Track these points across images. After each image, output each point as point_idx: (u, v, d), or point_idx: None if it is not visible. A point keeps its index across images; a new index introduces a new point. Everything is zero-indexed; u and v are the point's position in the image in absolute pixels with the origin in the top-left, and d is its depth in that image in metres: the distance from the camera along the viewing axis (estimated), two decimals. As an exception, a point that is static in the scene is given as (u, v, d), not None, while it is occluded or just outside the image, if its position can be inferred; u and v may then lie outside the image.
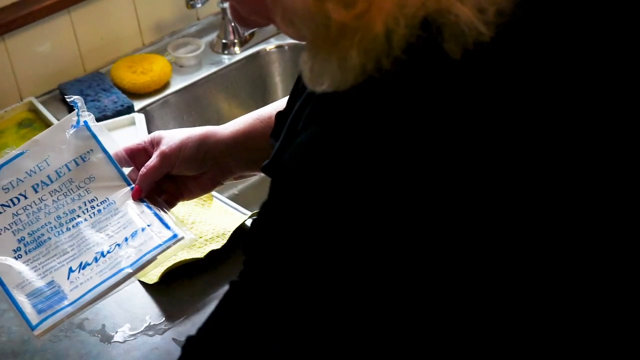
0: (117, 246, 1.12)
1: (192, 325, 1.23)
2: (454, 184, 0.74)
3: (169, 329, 1.23)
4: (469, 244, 0.75)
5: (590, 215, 0.78)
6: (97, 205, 1.16)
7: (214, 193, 1.43)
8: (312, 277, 0.78)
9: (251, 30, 1.87)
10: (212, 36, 1.87)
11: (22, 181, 1.16)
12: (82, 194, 1.17)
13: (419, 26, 0.73)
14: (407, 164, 0.74)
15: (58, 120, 1.59)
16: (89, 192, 1.17)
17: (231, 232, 1.32)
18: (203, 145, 1.18)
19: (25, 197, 1.16)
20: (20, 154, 1.18)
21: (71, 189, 1.17)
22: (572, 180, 0.76)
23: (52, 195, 1.16)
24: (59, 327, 1.23)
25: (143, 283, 1.30)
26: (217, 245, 1.30)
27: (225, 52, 1.84)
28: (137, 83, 1.72)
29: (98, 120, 1.62)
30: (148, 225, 1.13)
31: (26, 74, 1.71)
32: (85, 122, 1.20)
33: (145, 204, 1.15)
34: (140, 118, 1.64)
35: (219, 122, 1.83)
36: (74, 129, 1.19)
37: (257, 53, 1.86)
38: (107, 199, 1.16)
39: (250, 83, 1.86)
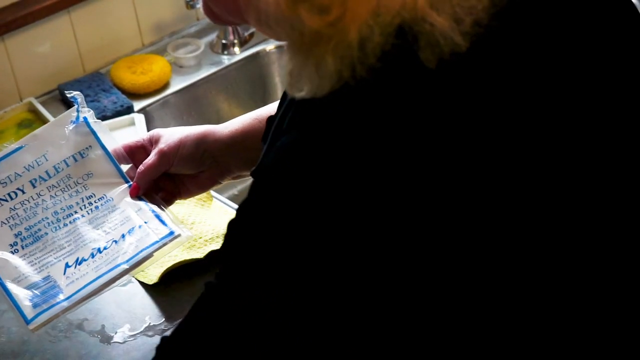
0: (114, 242, 1.12)
1: (191, 325, 1.23)
2: (425, 190, 0.74)
3: (168, 329, 1.23)
4: (436, 252, 0.75)
5: (582, 213, 0.78)
6: (95, 201, 1.16)
7: (213, 193, 1.43)
8: (286, 278, 0.78)
9: (251, 31, 1.87)
10: (212, 36, 1.87)
11: (20, 175, 1.16)
12: (80, 190, 1.17)
13: (394, 34, 0.73)
14: (377, 170, 0.74)
15: (58, 120, 1.60)
16: (86, 188, 1.17)
17: (231, 232, 1.32)
18: (202, 144, 1.18)
19: (23, 192, 1.16)
20: (19, 148, 1.18)
21: (69, 184, 1.17)
22: (545, 183, 0.77)
23: (50, 191, 1.16)
24: (59, 327, 1.24)
25: (143, 284, 1.30)
26: (217, 245, 1.30)
27: (225, 52, 1.84)
28: (136, 83, 1.72)
29: (98, 120, 1.63)
30: (145, 222, 1.13)
31: (26, 74, 1.71)
32: (85, 118, 1.19)
33: (142, 201, 1.15)
34: (140, 118, 1.64)
35: (218, 122, 1.82)
36: (74, 125, 1.19)
37: (257, 53, 1.86)
38: (105, 195, 1.16)
39: (250, 83, 1.86)
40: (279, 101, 1.04)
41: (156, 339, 1.21)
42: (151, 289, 1.29)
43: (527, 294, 0.78)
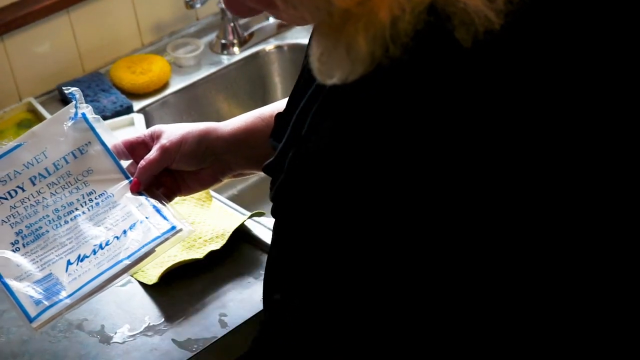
0: (115, 238, 1.11)
1: (191, 326, 1.23)
2: (462, 174, 0.74)
3: (168, 329, 1.23)
4: (473, 235, 0.75)
5: (592, 212, 0.78)
6: (95, 198, 1.16)
7: (213, 193, 1.43)
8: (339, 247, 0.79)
9: (250, 31, 1.87)
10: (212, 36, 1.87)
11: (20, 173, 1.16)
12: (80, 187, 1.16)
13: (426, 12, 0.72)
14: (418, 153, 0.74)
15: (57, 120, 1.60)
16: (87, 185, 1.17)
17: (230, 232, 1.32)
18: (203, 141, 1.18)
19: (23, 190, 1.15)
20: (18, 145, 1.18)
21: (69, 181, 1.17)
22: (584, 174, 0.76)
23: (50, 188, 1.16)
24: (58, 327, 1.24)
25: (142, 284, 1.29)
26: (217, 245, 1.30)
27: (225, 52, 1.84)
28: (136, 83, 1.72)
29: (97, 120, 1.63)
30: (146, 218, 1.13)
31: (25, 74, 1.71)
32: (83, 114, 1.19)
33: (143, 196, 1.15)
34: (139, 118, 1.64)
35: (218, 121, 1.83)
36: (72, 121, 1.19)
37: (257, 53, 1.86)
38: (105, 192, 1.16)
39: (249, 83, 1.86)
40: (286, 99, 1.04)
41: (156, 339, 1.21)
42: (151, 289, 1.29)
43: (531, 289, 0.78)
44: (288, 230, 0.87)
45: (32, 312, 1.07)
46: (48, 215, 1.14)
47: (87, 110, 1.19)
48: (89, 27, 1.76)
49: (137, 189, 1.16)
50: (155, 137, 1.19)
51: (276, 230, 0.91)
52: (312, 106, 0.83)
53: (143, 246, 1.10)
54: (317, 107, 0.83)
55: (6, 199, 1.15)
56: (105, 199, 1.16)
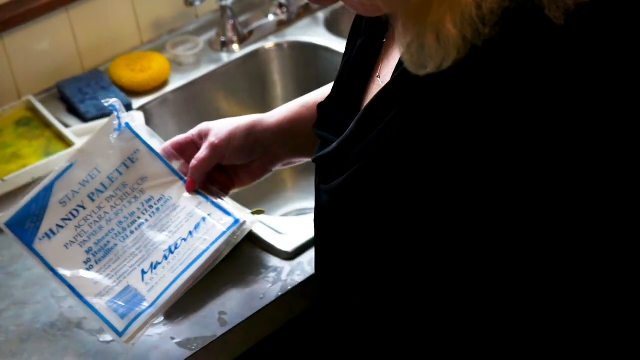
0: (182, 241, 1.13)
1: (191, 324, 1.22)
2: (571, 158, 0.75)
3: (167, 328, 1.22)
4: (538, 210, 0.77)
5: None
6: (155, 204, 1.17)
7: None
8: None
9: (250, 28, 1.86)
10: (211, 34, 1.87)
11: (78, 192, 1.17)
12: (138, 196, 1.18)
13: None
14: (530, 136, 0.75)
15: (56, 118, 1.59)
16: (144, 192, 1.18)
17: (230, 230, 1.31)
18: (251, 135, 1.20)
19: (84, 208, 1.17)
20: (70, 166, 1.19)
21: (126, 192, 1.18)
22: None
23: (109, 202, 1.17)
24: (57, 326, 1.23)
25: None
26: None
27: (224, 50, 1.84)
28: (135, 81, 1.72)
29: (96, 118, 1.63)
30: (209, 215, 1.15)
31: (24, 72, 1.70)
32: (127, 123, 1.21)
33: (201, 195, 1.17)
34: (138, 116, 1.63)
35: (218, 119, 1.83)
36: (117, 133, 1.20)
37: (256, 51, 1.85)
38: (163, 196, 1.17)
39: (249, 81, 1.86)
40: (330, 86, 1.06)
41: (155, 338, 1.21)
42: (150, 288, 1.28)
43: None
44: (365, 222, 0.87)
45: (120, 327, 1.09)
46: (113, 229, 1.15)
47: (129, 119, 1.21)
48: (88, 24, 1.76)
49: (192, 188, 1.18)
50: (203, 136, 1.21)
51: (341, 224, 0.92)
52: (391, 110, 0.83)
53: (212, 244, 1.12)
54: (401, 111, 0.82)
55: (70, 219, 1.16)
56: (165, 203, 1.17)
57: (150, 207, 1.17)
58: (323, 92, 1.22)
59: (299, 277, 1.26)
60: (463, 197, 0.78)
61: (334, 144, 0.94)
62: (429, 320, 0.88)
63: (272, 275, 1.27)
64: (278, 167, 1.26)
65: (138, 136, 1.20)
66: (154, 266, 1.12)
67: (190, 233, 1.13)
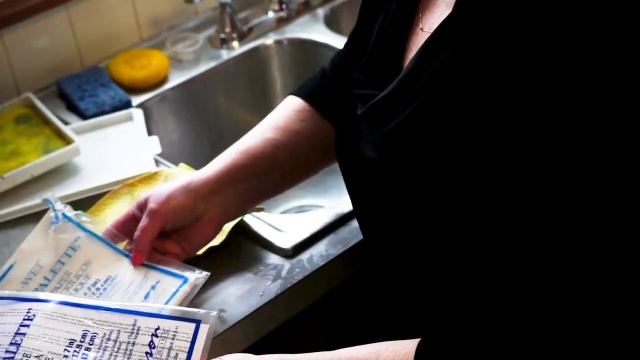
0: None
1: (190, 322, 1.22)
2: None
3: (167, 325, 1.22)
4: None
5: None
6: (102, 285, 1.17)
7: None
8: None
9: (250, 25, 1.86)
10: (211, 31, 1.86)
11: (21, 290, 1.15)
12: (84, 282, 1.17)
13: None
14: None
15: (55, 115, 1.59)
16: (89, 277, 1.18)
17: (230, 228, 1.31)
18: (190, 190, 1.19)
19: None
20: (10, 267, 1.19)
21: (71, 280, 1.17)
22: None
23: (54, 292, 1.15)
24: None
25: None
26: (216, 241, 1.30)
27: (224, 47, 1.83)
28: (135, 78, 1.71)
29: (96, 115, 1.62)
30: (157, 282, 1.14)
31: (23, 69, 1.70)
32: (64, 214, 1.21)
33: (147, 266, 1.16)
34: (138, 113, 1.63)
35: (217, 117, 1.83)
36: (55, 225, 1.21)
37: (256, 48, 1.85)
38: (110, 276, 1.17)
39: (249, 78, 1.86)
40: (255, 130, 1.15)
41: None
42: (150, 285, 1.28)
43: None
44: (419, 169, 0.90)
45: None
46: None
47: (66, 209, 1.21)
48: (87, 21, 1.75)
49: (139, 261, 1.17)
50: (142, 207, 1.20)
51: (391, 175, 0.94)
52: (439, 35, 0.89)
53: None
54: (459, 30, 0.87)
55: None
56: (112, 281, 1.16)
57: (97, 289, 1.16)
58: (255, 138, 1.24)
59: (298, 275, 1.26)
60: (528, 128, 0.82)
61: (387, 90, 0.95)
62: (461, 277, 0.92)
63: (271, 272, 1.27)
64: (231, 221, 1.26)
65: (77, 224, 1.20)
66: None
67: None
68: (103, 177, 1.45)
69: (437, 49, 0.90)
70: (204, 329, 1.02)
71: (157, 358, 0.99)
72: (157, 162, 1.50)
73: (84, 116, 1.64)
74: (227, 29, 1.83)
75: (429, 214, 0.91)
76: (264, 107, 1.82)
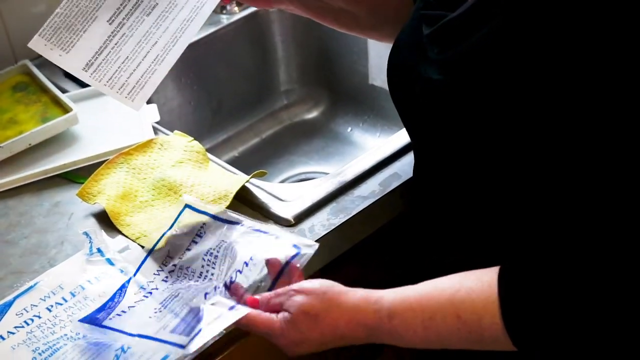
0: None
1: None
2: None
3: (167, 296, 1.21)
4: None
5: None
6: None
7: (210, 156, 1.40)
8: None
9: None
10: (211, -5, 1.84)
11: (36, 305, 1.17)
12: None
13: None
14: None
15: (53, 83, 1.57)
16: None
17: (234, 192, 1.29)
18: None
19: (39, 317, 1.16)
20: (34, 284, 1.20)
21: (87, 304, 1.18)
22: None
23: (66, 312, 1.16)
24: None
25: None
26: (220, 208, 1.27)
27: (224, 12, 1.81)
28: (133, 44, 1.69)
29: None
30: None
31: (20, 35, 1.68)
32: (99, 248, 1.23)
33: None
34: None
35: (217, 83, 1.80)
36: (88, 256, 1.22)
37: (256, 13, 1.82)
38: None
39: (249, 43, 1.83)
40: None
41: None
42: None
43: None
44: (486, 93, 0.91)
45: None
46: (66, 334, 1.13)
47: (102, 245, 1.23)
48: (85, -14, 1.73)
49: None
50: None
51: (459, 99, 0.94)
52: None
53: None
54: None
55: (22, 327, 1.15)
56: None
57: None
58: None
59: (300, 244, 1.24)
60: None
61: (460, 9, 0.94)
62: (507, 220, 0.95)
63: (272, 242, 1.25)
64: (278, 5, 1.33)
65: (108, 260, 1.21)
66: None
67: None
68: (102, 145, 1.43)
69: None
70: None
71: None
72: (155, 130, 1.48)
73: (81, 84, 1.61)
74: (227, -6, 1.80)
75: (486, 139, 0.91)
76: (265, 73, 1.80)
